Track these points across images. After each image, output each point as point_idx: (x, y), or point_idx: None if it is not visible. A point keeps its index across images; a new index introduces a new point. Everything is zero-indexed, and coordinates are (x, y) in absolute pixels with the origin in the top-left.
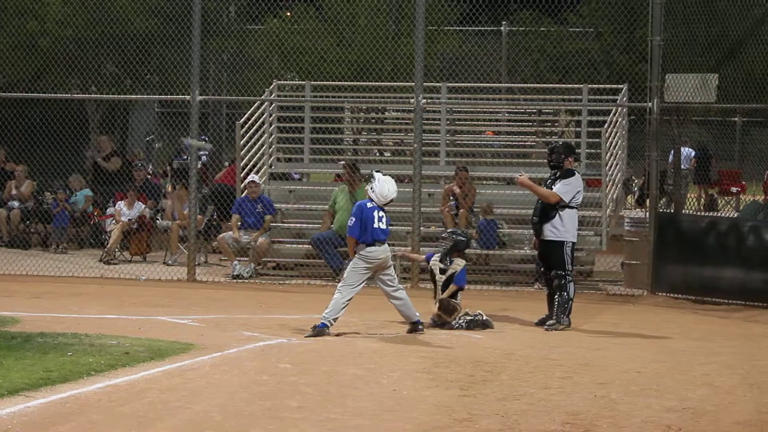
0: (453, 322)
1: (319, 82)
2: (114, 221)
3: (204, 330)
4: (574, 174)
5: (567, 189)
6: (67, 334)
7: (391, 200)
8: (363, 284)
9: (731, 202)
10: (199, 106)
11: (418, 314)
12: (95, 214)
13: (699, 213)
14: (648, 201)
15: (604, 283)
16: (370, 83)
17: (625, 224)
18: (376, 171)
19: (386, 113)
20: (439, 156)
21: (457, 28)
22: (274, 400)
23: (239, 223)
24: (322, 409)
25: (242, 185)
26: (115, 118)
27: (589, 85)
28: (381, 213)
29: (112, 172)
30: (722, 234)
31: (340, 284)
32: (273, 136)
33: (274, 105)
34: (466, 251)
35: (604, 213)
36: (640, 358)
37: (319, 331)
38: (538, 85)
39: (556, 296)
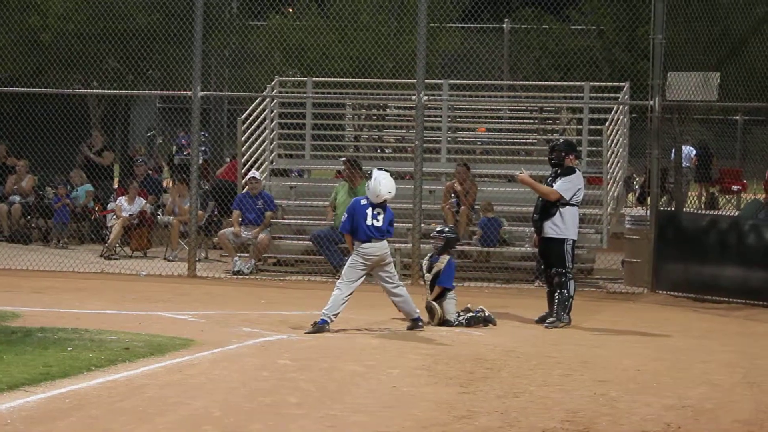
0: (453, 320)
1: (320, 79)
2: (115, 216)
3: (204, 326)
4: (574, 171)
5: (567, 186)
6: (67, 329)
7: (386, 199)
8: (361, 280)
9: (732, 201)
10: (201, 102)
11: (418, 311)
12: (96, 209)
13: (700, 211)
14: (649, 199)
15: (605, 280)
16: (372, 80)
17: (626, 222)
18: (378, 169)
19: (388, 110)
20: (440, 153)
21: (459, 25)
22: (273, 396)
23: (240, 219)
24: (322, 406)
25: (243, 181)
26: (116, 114)
27: (591, 83)
28: (377, 210)
29: (104, 166)
30: (723, 232)
31: (338, 281)
32: (274, 132)
33: (275, 101)
34: (459, 248)
35: (604, 211)
36: (640, 356)
37: (320, 327)
38: (539, 82)
39: (556, 294)
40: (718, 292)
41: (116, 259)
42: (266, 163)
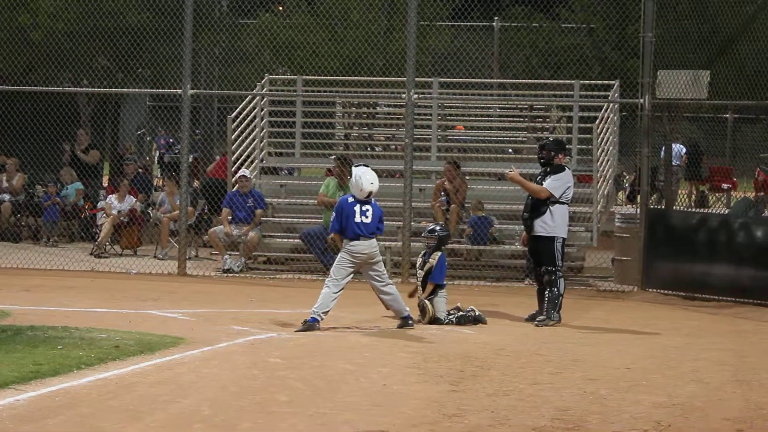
0: (443, 318)
1: (310, 77)
2: (105, 215)
3: (194, 324)
4: (564, 170)
5: (557, 184)
6: (57, 327)
7: (371, 192)
8: (349, 278)
9: (722, 199)
10: (191, 100)
11: (408, 309)
12: (86, 207)
13: (690, 209)
14: (639, 197)
15: (595, 279)
16: (362, 78)
17: (616, 220)
18: (356, 165)
19: (378, 108)
20: (430, 151)
21: (449, 23)
22: (263, 395)
23: (230, 217)
24: (312, 404)
25: (233, 179)
26: (106, 112)
27: (581, 81)
28: (365, 207)
29: (91, 165)
30: (713, 230)
31: (327, 279)
32: (264, 130)
33: (265, 99)
34: (449, 246)
35: (594, 209)
36: (630, 354)
37: (310, 325)
38: (529, 80)
39: (546, 292)
40: (708, 290)
41: (106, 257)
42: (256, 161)
